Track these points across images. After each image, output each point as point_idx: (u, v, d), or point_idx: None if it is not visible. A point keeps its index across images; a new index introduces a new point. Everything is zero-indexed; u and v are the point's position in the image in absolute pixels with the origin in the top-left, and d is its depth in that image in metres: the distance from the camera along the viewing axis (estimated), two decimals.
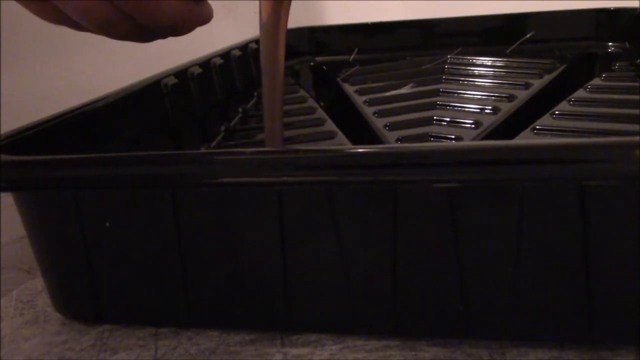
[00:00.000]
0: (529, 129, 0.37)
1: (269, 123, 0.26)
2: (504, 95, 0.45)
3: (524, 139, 0.36)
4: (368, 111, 0.45)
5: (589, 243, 0.21)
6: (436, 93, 0.48)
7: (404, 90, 0.50)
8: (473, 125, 0.40)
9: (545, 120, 0.39)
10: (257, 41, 0.57)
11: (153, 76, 0.39)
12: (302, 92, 0.54)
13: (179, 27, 0.25)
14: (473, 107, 0.44)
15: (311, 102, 0.50)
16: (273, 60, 0.24)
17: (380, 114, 0.44)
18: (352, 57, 0.62)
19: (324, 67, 0.64)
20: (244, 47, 0.54)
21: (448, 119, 0.41)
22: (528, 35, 0.59)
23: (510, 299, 0.23)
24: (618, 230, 0.21)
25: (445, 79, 0.52)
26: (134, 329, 0.27)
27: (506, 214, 0.22)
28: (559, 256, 0.22)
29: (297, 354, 0.25)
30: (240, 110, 0.50)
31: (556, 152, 0.19)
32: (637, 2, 0.56)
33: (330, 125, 0.43)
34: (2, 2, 0.44)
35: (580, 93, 0.44)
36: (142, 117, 0.37)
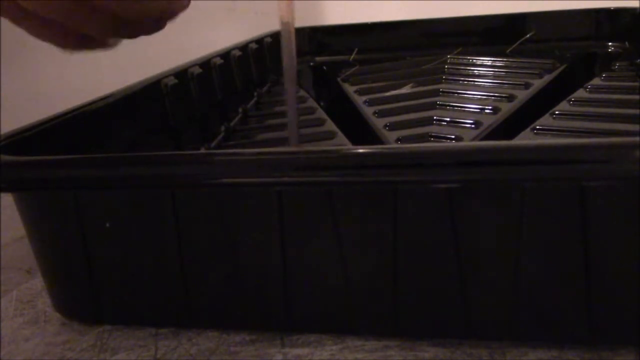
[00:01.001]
0: (529, 129, 0.37)
1: (290, 115, 0.30)
2: (504, 95, 0.45)
3: (524, 139, 0.36)
4: (368, 111, 0.45)
5: (589, 243, 0.21)
6: (436, 93, 0.48)
7: (404, 90, 0.50)
8: (473, 125, 0.40)
9: (545, 120, 0.39)
10: (257, 41, 0.58)
11: (153, 76, 0.39)
12: (302, 92, 0.54)
13: (152, 19, 0.25)
14: (473, 107, 0.44)
15: (311, 102, 0.50)
16: (291, 55, 0.29)
17: (380, 114, 0.44)
18: (352, 57, 0.62)
19: (324, 67, 0.64)
20: (244, 47, 0.54)
21: (448, 119, 0.41)
22: (528, 35, 0.59)
23: (510, 299, 0.23)
24: (618, 230, 0.21)
25: (445, 79, 0.52)
26: (134, 329, 0.27)
27: (506, 215, 0.22)
28: (559, 256, 0.22)
29: (297, 354, 0.25)
30: (240, 110, 0.50)
31: (556, 152, 0.19)
32: (637, 2, 0.56)
33: (330, 125, 0.43)
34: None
35: (580, 93, 0.44)
36: (142, 117, 0.37)
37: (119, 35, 0.26)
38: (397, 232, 0.23)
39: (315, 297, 0.25)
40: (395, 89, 0.50)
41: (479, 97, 0.46)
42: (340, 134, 0.40)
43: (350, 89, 0.52)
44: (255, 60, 0.56)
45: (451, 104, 0.44)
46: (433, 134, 0.39)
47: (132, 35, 0.26)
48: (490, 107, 0.43)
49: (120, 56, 0.53)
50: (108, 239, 0.25)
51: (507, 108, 0.42)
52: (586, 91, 0.44)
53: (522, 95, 0.45)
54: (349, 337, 0.25)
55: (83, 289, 0.27)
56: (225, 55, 0.50)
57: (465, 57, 0.57)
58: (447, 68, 0.55)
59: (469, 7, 0.65)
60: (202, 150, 0.42)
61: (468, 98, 0.46)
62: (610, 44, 0.58)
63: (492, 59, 0.56)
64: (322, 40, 0.66)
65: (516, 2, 0.60)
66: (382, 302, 0.24)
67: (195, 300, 0.26)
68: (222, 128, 0.46)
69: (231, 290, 0.26)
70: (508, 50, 0.58)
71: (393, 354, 0.24)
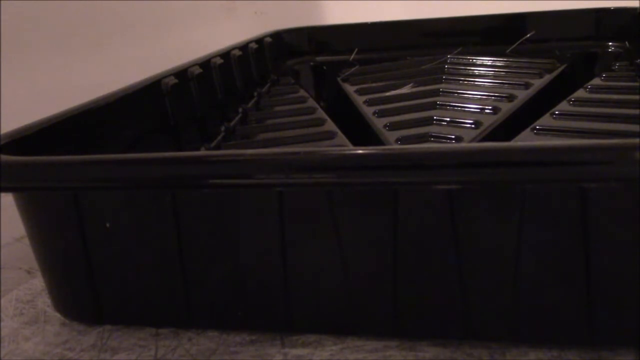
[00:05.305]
0: (529, 129, 0.37)
1: None
2: (504, 95, 0.45)
3: (524, 139, 0.36)
4: (368, 111, 0.45)
5: (589, 244, 0.21)
6: (436, 93, 0.48)
7: (404, 90, 0.50)
8: (473, 125, 0.40)
9: (545, 120, 0.39)
10: (257, 41, 0.58)
11: (153, 76, 0.39)
12: (302, 92, 0.54)
13: None
14: (473, 107, 0.44)
15: (311, 102, 0.50)
16: None
17: (380, 114, 0.44)
18: (352, 57, 0.62)
19: (324, 67, 0.64)
20: (244, 47, 0.54)
21: (448, 119, 0.41)
22: (528, 35, 0.59)
23: (510, 300, 0.23)
24: (618, 231, 0.21)
25: (445, 79, 0.52)
26: (134, 329, 0.27)
27: (506, 216, 0.22)
28: (559, 257, 0.22)
29: (297, 355, 0.25)
30: (240, 110, 0.50)
31: (556, 154, 0.19)
32: (637, 2, 0.56)
33: (330, 125, 0.43)
34: (2, 2, 0.44)
35: (580, 93, 0.44)
36: (142, 117, 0.37)
37: None
38: (397, 232, 0.23)
39: (315, 297, 0.25)
40: (395, 89, 0.50)
41: (479, 97, 0.46)
42: (340, 134, 0.40)
43: (350, 89, 0.52)
44: (255, 60, 0.56)
45: (451, 104, 0.44)
46: (433, 134, 0.39)
47: None
48: (490, 107, 0.43)
49: (120, 56, 0.53)
50: (108, 239, 0.25)
51: (507, 108, 0.42)
52: (586, 91, 0.44)
53: (522, 95, 0.45)
54: (349, 337, 0.25)
55: (83, 289, 0.27)
56: (225, 55, 0.50)
57: (465, 57, 0.57)
58: (447, 68, 0.55)
59: (469, 7, 0.65)
60: (202, 150, 0.42)
61: (468, 98, 0.46)
62: (610, 44, 0.58)
63: (492, 59, 0.56)
64: (322, 40, 0.66)
65: (516, 2, 0.60)
66: (382, 302, 0.24)
67: (195, 300, 0.26)
68: (222, 128, 0.46)
69: (231, 290, 0.26)
70: (508, 50, 0.58)
71: (393, 354, 0.24)
